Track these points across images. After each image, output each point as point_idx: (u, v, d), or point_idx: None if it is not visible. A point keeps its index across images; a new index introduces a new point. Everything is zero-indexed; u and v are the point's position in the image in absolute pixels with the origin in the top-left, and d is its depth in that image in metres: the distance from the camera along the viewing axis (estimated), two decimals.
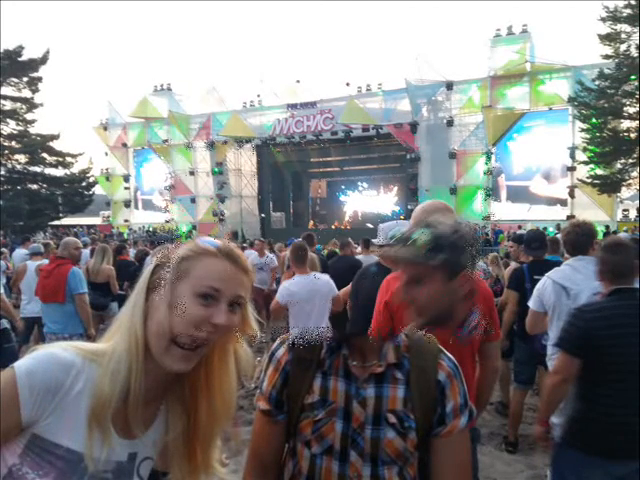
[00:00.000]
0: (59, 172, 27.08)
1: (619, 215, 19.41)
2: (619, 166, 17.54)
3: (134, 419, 0.98)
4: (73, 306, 4.85)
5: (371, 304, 2.39)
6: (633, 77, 16.13)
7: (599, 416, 2.09)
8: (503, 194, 22.10)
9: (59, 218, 28.00)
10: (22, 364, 0.91)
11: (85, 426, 0.92)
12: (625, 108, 16.84)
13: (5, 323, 5.53)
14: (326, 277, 4.48)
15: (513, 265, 4.61)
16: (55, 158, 26.46)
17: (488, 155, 21.45)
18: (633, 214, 19.31)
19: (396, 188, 29.08)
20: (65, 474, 0.90)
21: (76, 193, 27.47)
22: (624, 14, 16.47)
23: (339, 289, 4.43)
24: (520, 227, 18.16)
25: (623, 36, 16.73)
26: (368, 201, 30.37)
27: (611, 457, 2.08)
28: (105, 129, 31.41)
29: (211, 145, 27.69)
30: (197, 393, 1.06)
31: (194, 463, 1.07)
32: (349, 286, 3.62)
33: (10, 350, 5.38)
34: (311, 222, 30.31)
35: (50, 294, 4.82)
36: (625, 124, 17.39)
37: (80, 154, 27.42)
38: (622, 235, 10.47)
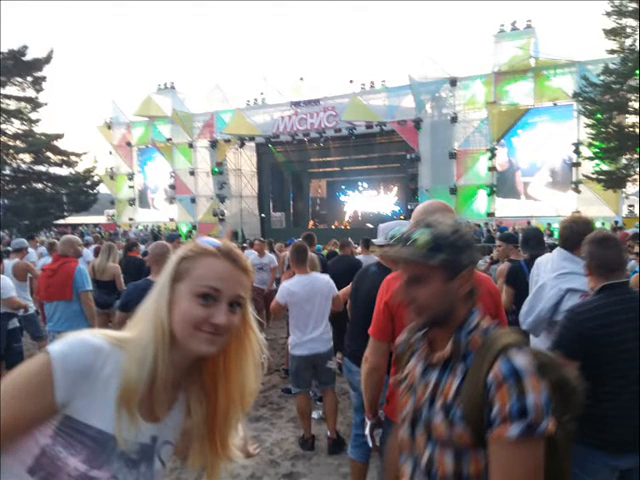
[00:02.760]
0: (64, 171, 27.17)
1: (624, 211, 19.29)
2: (624, 161, 17.41)
3: (158, 403, 1.03)
4: (79, 304, 4.89)
5: (371, 304, 2.39)
6: (638, 72, 16.01)
7: (603, 412, 2.08)
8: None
9: (64, 217, 28.08)
10: (56, 348, 0.95)
11: (114, 409, 0.96)
12: (630, 103, 16.71)
13: (16, 322, 5.61)
14: (326, 277, 4.48)
15: (506, 263, 4.65)
16: (60, 157, 26.51)
17: (492, 151, 21.36)
18: (638, 209, 19.21)
19: (396, 188, 29.02)
20: (95, 453, 0.94)
21: (81, 192, 27.51)
22: (629, 8, 16.33)
23: (339, 289, 4.45)
24: (529, 222, 18.07)
25: (628, 30, 16.58)
26: (368, 201, 30.32)
27: (616, 452, 2.08)
28: (109, 128, 31.49)
29: (214, 144, 27.68)
30: (216, 381, 1.11)
31: (214, 448, 1.12)
32: (349, 286, 3.63)
33: (18, 349, 5.51)
34: (311, 222, 30.28)
35: (57, 292, 4.85)
36: (630, 119, 17.26)
37: (84, 153, 27.49)
38: (631, 231, 10.41)
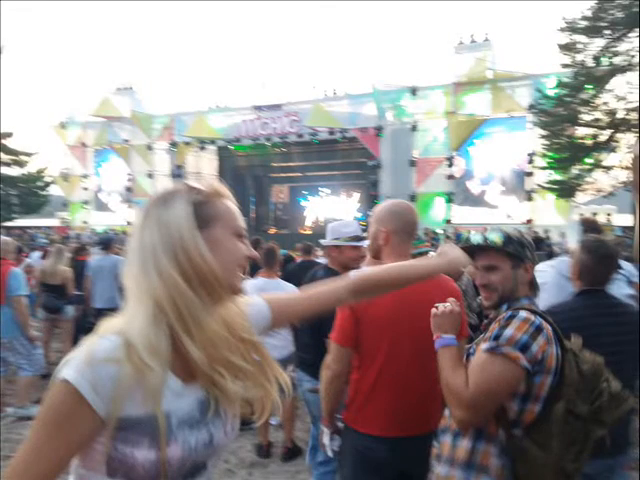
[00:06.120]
0: (13, 171, 26.07)
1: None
2: (575, 172, 18.10)
3: (191, 362, 1.00)
4: (12, 309, 4.69)
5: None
6: (588, 86, 16.75)
7: None
8: (477, 198, 22.35)
9: (12, 219, 26.90)
10: (72, 372, 0.91)
11: (151, 389, 0.94)
12: (581, 116, 17.42)
13: None
14: (289, 285, 4.19)
15: None
16: (9, 157, 25.48)
17: (450, 160, 21.83)
18: None
19: (358, 195, 29.21)
20: (156, 436, 0.94)
21: (31, 193, 26.49)
22: (581, 25, 17.09)
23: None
24: (485, 229, 18.51)
25: (580, 46, 17.33)
26: (329, 206, 30.40)
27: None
28: (64, 128, 30.41)
29: (173, 146, 27.15)
30: None
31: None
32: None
33: None
34: (273, 228, 30.10)
35: None
36: (581, 131, 17.99)
37: (36, 153, 26.50)
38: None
